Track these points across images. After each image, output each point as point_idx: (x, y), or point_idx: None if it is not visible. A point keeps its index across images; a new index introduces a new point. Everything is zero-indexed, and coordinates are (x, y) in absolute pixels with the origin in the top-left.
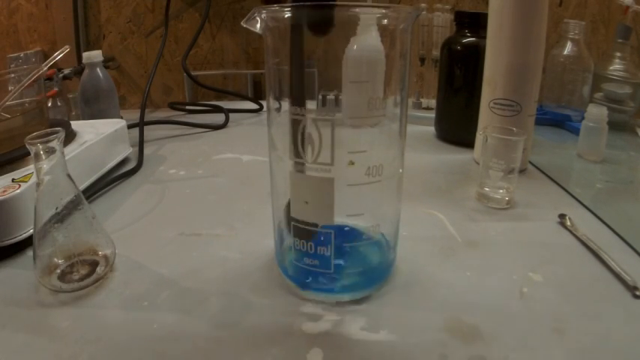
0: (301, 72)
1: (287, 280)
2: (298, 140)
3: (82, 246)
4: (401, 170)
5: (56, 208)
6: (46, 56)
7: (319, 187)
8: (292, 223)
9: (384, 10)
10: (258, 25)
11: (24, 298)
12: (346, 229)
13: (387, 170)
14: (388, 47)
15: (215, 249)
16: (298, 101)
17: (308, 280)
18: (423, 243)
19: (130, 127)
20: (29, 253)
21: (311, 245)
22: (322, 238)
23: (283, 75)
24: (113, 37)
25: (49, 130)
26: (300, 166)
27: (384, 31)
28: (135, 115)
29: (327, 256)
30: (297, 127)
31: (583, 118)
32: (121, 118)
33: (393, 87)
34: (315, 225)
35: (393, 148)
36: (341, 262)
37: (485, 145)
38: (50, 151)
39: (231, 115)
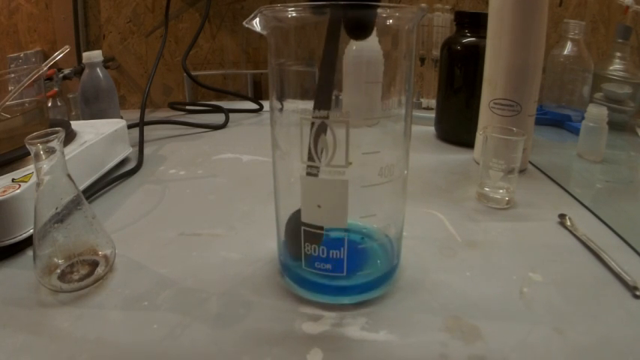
0: (332, 75)
1: (290, 282)
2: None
3: (82, 246)
4: (406, 172)
5: (56, 208)
6: (46, 56)
7: (333, 190)
8: (303, 227)
9: (389, 10)
10: (261, 25)
11: (24, 298)
12: (358, 231)
13: (397, 170)
14: (393, 48)
15: (215, 249)
16: (324, 104)
17: (320, 285)
18: (423, 243)
19: (130, 127)
20: (29, 253)
21: (323, 249)
22: (335, 242)
23: (286, 75)
24: (113, 37)
25: (49, 130)
26: (313, 170)
27: (389, 31)
28: (135, 115)
29: (340, 260)
30: (324, 130)
31: (583, 118)
32: (121, 118)
33: (399, 87)
34: (329, 229)
35: (400, 148)
36: (353, 265)
37: (486, 145)
38: (50, 151)
39: (231, 115)
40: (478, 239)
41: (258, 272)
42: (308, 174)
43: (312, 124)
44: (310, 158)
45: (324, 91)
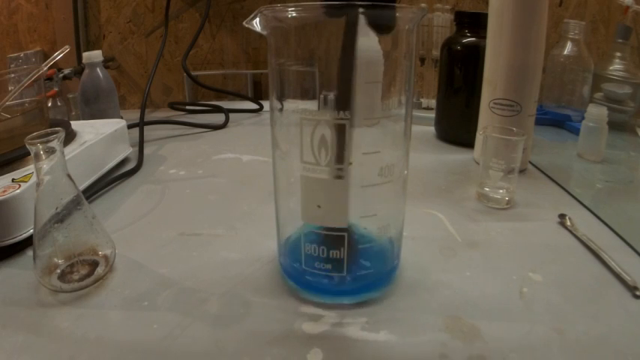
0: (350, 74)
1: (290, 282)
2: (343, 145)
3: (82, 246)
4: (406, 172)
5: (56, 208)
6: (46, 56)
7: (333, 190)
8: (303, 228)
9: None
10: (261, 25)
11: (24, 298)
12: (358, 231)
13: (397, 170)
14: (393, 48)
15: (215, 249)
16: (344, 105)
17: (319, 285)
18: (423, 243)
19: (130, 127)
20: (29, 253)
21: (323, 249)
22: (335, 242)
23: (286, 75)
24: (113, 37)
25: (49, 130)
26: (316, 170)
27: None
28: (135, 115)
29: (340, 260)
30: (342, 133)
31: (583, 118)
32: (121, 118)
33: (399, 87)
34: (328, 229)
35: (400, 148)
36: (353, 265)
37: (486, 145)
38: (50, 151)
39: (231, 115)
40: (478, 239)
41: (258, 272)
42: (337, 177)
43: (335, 126)
44: (339, 161)
45: (345, 92)
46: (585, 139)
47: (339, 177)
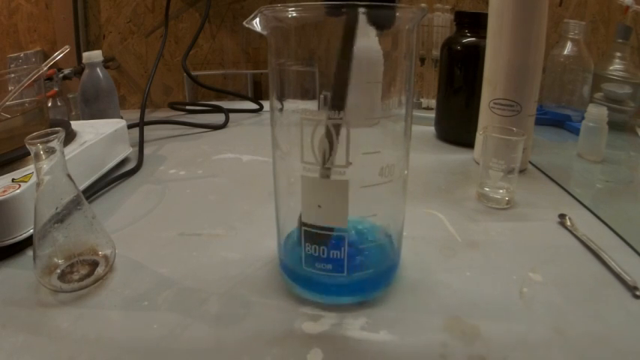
0: (346, 75)
1: (290, 282)
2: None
3: (82, 246)
4: (406, 172)
5: (56, 208)
6: (46, 56)
7: (333, 190)
8: (303, 228)
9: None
10: (261, 25)
11: (24, 298)
12: (358, 230)
13: (397, 170)
14: (393, 48)
15: (215, 249)
16: (339, 105)
17: (320, 285)
18: (423, 243)
19: (130, 127)
20: (29, 253)
21: (324, 249)
22: (336, 242)
23: (286, 75)
24: (113, 37)
25: (49, 130)
26: (316, 170)
27: (389, 31)
28: (135, 115)
29: (340, 260)
30: (337, 132)
31: (583, 118)
32: (121, 118)
33: (399, 87)
34: (329, 229)
35: (400, 148)
36: (354, 265)
37: (486, 145)
38: (50, 151)
39: (231, 115)
40: (478, 239)
41: (258, 272)
42: (325, 177)
43: (327, 126)
44: (322, 160)
45: (340, 91)
46: (585, 139)
47: (327, 176)
